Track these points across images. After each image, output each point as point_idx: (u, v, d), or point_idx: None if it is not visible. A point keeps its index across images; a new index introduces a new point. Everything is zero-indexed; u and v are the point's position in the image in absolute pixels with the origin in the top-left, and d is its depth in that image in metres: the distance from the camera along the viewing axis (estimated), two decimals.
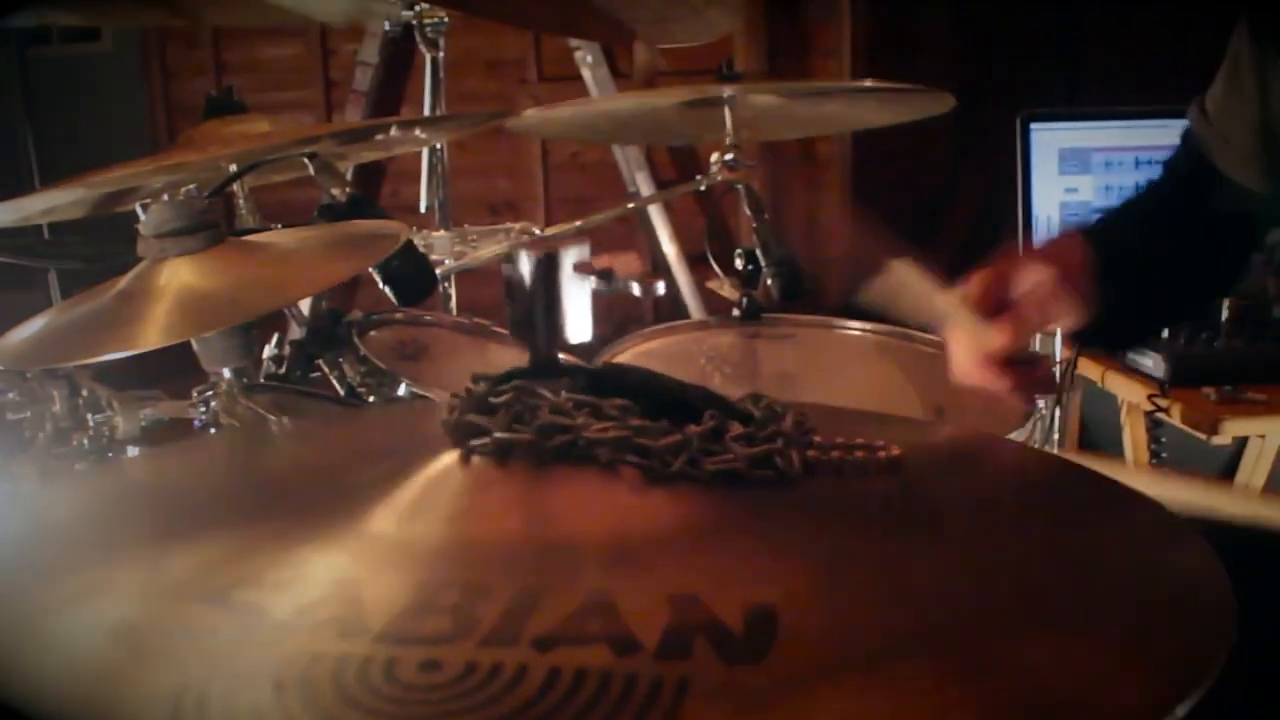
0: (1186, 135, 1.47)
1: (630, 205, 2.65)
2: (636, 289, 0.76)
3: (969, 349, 1.25)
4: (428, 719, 0.56)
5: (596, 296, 0.80)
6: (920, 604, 0.66)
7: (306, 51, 4.69)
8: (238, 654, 0.62)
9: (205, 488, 0.89)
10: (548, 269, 0.77)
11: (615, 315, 3.45)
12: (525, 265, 0.77)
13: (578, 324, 0.78)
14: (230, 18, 1.75)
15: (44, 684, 0.61)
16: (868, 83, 2.13)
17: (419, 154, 3.00)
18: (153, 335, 1.28)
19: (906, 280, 1.25)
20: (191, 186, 1.39)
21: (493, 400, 0.76)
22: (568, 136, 3.79)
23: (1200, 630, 0.64)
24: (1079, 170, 2.86)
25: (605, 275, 0.74)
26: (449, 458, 0.78)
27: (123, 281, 1.39)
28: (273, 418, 1.34)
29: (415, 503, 0.75)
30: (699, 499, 0.74)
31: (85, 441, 1.57)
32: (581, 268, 0.78)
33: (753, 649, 0.59)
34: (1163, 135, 2.81)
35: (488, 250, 2.16)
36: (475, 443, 0.76)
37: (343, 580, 0.67)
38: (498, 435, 0.75)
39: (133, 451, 1.56)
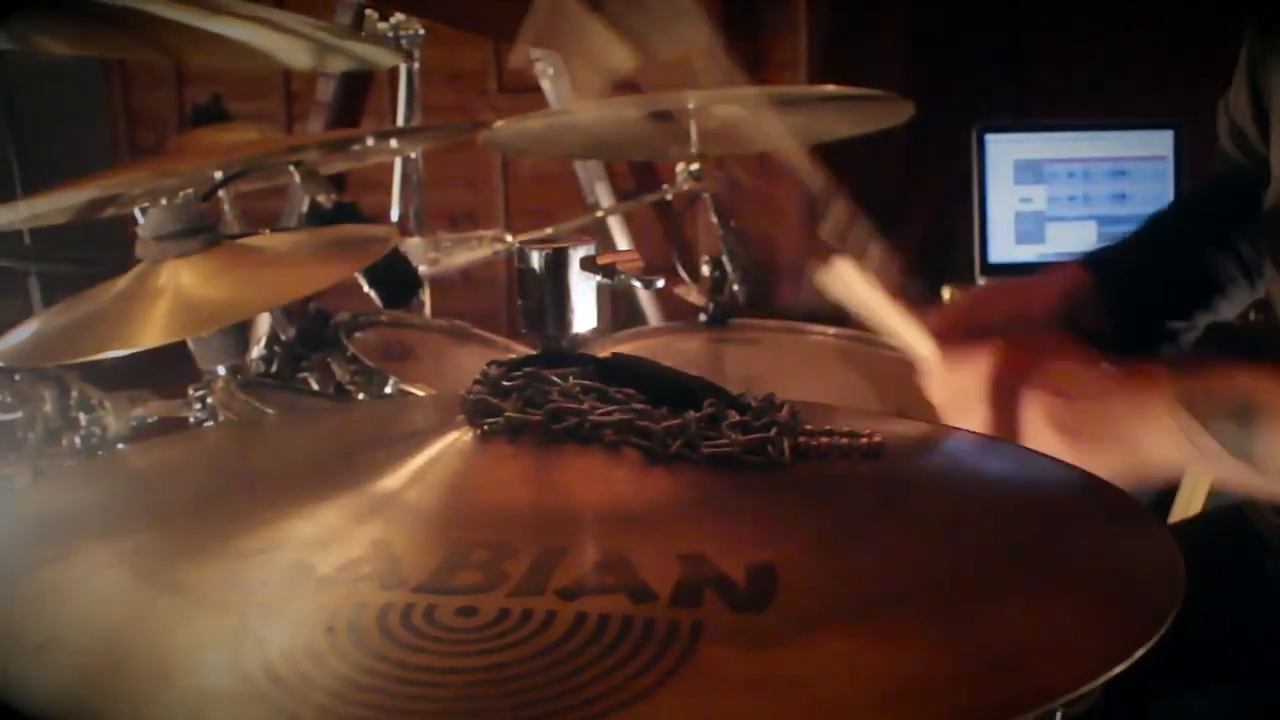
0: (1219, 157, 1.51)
1: (600, 214, 2.73)
2: (637, 284, 0.83)
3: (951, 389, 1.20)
4: (468, 656, 0.63)
5: (600, 290, 0.87)
6: (903, 567, 0.74)
7: None
8: (289, 603, 0.69)
9: (234, 467, 0.95)
10: (557, 265, 0.84)
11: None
12: (537, 261, 0.84)
13: (584, 315, 0.86)
14: (209, 59, 1.82)
15: (102, 635, 0.68)
16: (830, 88, 2.20)
17: (380, 164, 3.04)
18: (154, 334, 1.33)
19: (849, 280, 1.23)
20: (189, 190, 1.45)
21: (506, 384, 0.83)
22: (537, 153, 3.85)
23: (1150, 595, 0.72)
24: (1032, 181, 2.95)
25: (608, 271, 0.81)
26: (463, 437, 0.85)
27: (122, 282, 1.44)
28: (271, 411, 1.40)
29: (436, 476, 0.82)
30: (696, 478, 0.81)
31: (77, 441, 1.61)
32: (587, 264, 0.85)
33: (757, 599, 0.67)
34: (1114, 146, 2.91)
35: (461, 257, 2.22)
36: (489, 420, 0.83)
37: (378, 541, 0.74)
38: (510, 415, 0.82)
39: None
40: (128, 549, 0.76)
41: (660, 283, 0.90)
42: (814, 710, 0.60)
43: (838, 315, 1.34)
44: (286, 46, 1.75)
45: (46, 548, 0.79)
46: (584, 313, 0.86)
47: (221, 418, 1.41)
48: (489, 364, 0.85)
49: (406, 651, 0.63)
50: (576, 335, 0.86)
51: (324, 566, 0.71)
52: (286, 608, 0.68)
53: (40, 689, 0.64)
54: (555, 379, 0.83)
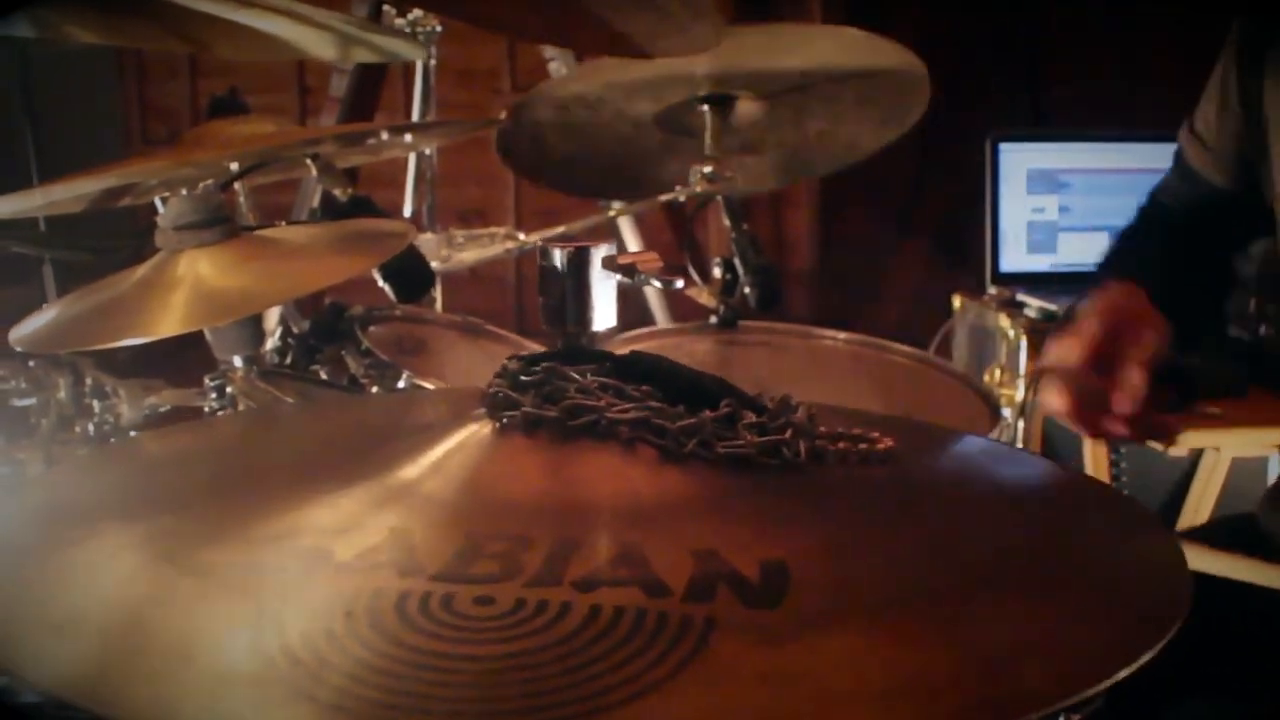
0: (1178, 157, 1.56)
1: (611, 214, 2.73)
2: (657, 284, 0.84)
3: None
4: (484, 644, 0.64)
5: (619, 290, 0.89)
6: (912, 568, 0.75)
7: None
8: (308, 588, 0.70)
9: (251, 455, 0.96)
10: (578, 264, 0.85)
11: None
12: (559, 260, 0.86)
13: (604, 314, 0.87)
14: (235, 51, 1.83)
15: (122, 616, 0.69)
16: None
17: (392, 160, 3.03)
18: (172, 323, 1.34)
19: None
20: (209, 181, 1.46)
21: (525, 379, 0.85)
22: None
23: (1154, 599, 0.74)
24: (1045, 190, 2.97)
25: (628, 271, 0.82)
26: (480, 430, 0.86)
27: (140, 271, 1.45)
28: (290, 400, 1.41)
29: (454, 467, 0.83)
30: (712, 476, 0.82)
31: (90, 428, 1.63)
32: (608, 264, 0.86)
33: (769, 595, 0.68)
34: (1127, 158, 2.92)
35: (474, 253, 2.23)
36: (507, 415, 0.84)
37: (396, 530, 0.75)
38: (527, 410, 0.83)
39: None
40: (148, 533, 0.77)
41: (680, 284, 0.91)
42: (821, 704, 0.61)
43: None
44: (312, 38, 1.77)
45: (67, 530, 0.81)
46: (604, 311, 0.87)
47: (241, 407, 1.42)
48: (509, 359, 0.86)
49: (423, 637, 0.64)
50: (594, 333, 0.88)
51: (343, 553, 0.73)
52: (305, 593, 0.70)
53: (61, 669, 0.65)
54: (574, 375, 0.84)
